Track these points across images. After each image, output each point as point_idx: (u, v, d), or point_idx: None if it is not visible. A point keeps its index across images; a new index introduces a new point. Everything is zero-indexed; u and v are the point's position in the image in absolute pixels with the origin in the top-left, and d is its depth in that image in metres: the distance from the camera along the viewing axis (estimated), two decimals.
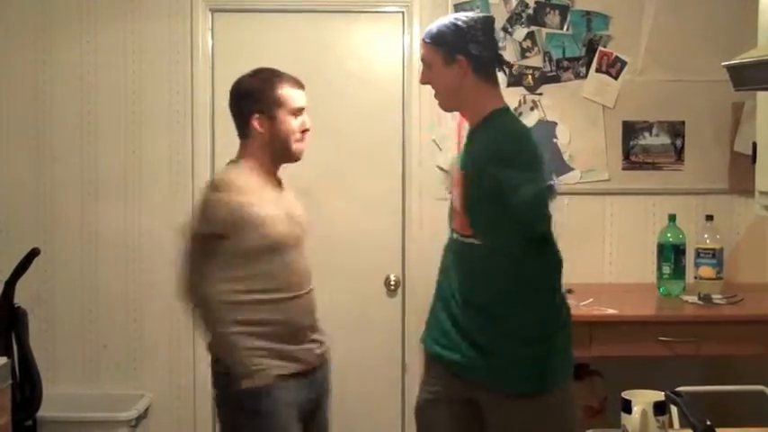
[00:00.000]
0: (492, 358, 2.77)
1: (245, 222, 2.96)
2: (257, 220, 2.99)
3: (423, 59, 2.91)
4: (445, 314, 2.95)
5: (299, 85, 3.20)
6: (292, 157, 3.20)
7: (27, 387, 3.77)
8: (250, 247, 2.99)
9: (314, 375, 3.14)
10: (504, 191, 2.66)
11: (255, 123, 3.09)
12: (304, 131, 3.18)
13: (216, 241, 2.96)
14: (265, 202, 3.07)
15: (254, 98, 3.11)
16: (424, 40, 2.90)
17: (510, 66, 3.05)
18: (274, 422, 2.97)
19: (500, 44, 2.99)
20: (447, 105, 2.94)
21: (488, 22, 2.93)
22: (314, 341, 3.17)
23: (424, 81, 2.94)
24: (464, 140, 3.03)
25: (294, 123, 3.13)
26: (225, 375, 2.96)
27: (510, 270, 2.74)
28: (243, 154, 3.16)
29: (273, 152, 3.14)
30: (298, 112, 3.15)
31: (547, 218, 2.70)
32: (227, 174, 3.13)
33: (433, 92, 2.94)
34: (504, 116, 2.88)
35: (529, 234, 2.69)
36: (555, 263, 2.78)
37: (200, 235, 2.99)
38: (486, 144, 2.79)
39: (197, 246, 3.00)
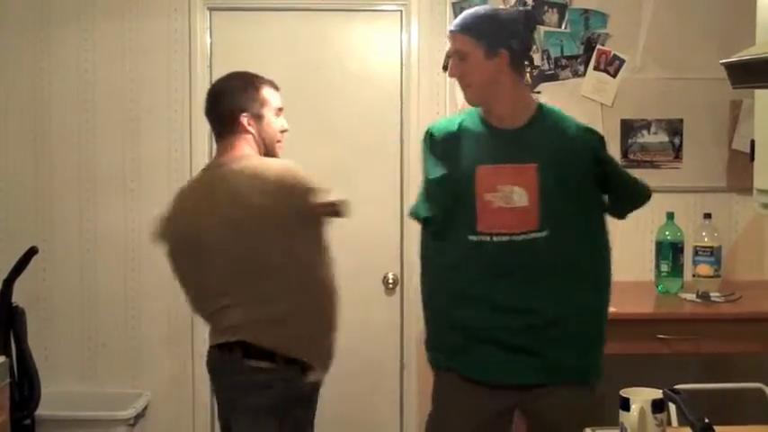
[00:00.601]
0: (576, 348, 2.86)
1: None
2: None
3: (456, 51, 2.84)
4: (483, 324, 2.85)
5: (275, 86, 3.27)
6: (274, 156, 3.26)
7: (25, 386, 3.76)
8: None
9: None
10: (615, 173, 2.90)
11: (244, 121, 3.12)
12: (283, 131, 3.27)
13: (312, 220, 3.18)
14: None
15: (240, 98, 3.15)
16: (458, 32, 2.83)
17: (535, 66, 3.03)
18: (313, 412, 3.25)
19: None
20: (478, 99, 2.87)
21: (529, 16, 2.92)
22: None
23: (455, 74, 2.87)
24: (452, 133, 2.90)
25: (277, 124, 3.22)
26: (286, 374, 3.00)
27: (569, 259, 2.81)
28: (243, 148, 3.15)
29: (260, 151, 3.19)
30: (278, 112, 3.24)
31: None
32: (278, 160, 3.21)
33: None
34: (555, 108, 2.94)
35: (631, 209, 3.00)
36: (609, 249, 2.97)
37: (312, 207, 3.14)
38: (565, 134, 2.83)
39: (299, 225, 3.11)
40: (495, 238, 2.79)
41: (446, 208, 2.86)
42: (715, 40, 4.35)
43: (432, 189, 2.90)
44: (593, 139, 2.86)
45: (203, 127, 4.43)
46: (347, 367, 4.52)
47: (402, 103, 4.50)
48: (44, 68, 4.44)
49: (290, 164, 3.14)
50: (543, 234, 2.78)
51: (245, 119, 3.12)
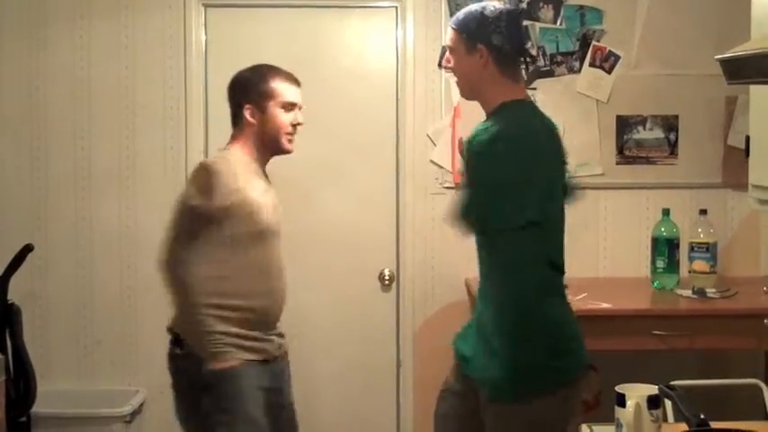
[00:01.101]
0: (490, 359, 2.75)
1: (238, 207, 3.04)
2: (251, 205, 3.07)
3: (446, 45, 2.88)
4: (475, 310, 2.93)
5: (293, 80, 3.27)
6: (282, 151, 3.28)
7: (21, 383, 3.75)
8: (239, 233, 3.06)
9: (275, 366, 3.21)
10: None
11: (247, 114, 3.17)
12: (295, 126, 3.24)
13: (203, 222, 3.01)
14: (257, 189, 3.14)
15: (245, 89, 3.21)
16: (450, 26, 2.86)
17: (534, 61, 2.97)
18: (239, 404, 3.03)
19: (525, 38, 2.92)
20: (465, 93, 2.90)
21: (514, 14, 2.87)
22: (278, 334, 3.25)
23: (446, 66, 2.90)
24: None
25: (284, 118, 3.20)
26: (195, 358, 3.02)
27: (492, 260, 2.76)
28: (235, 142, 3.22)
29: (264, 144, 3.21)
30: (289, 106, 3.21)
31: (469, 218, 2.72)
32: (222, 158, 3.18)
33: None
34: (512, 108, 2.78)
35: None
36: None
37: (195, 209, 3.03)
38: (472, 135, 2.75)
39: (187, 222, 3.05)
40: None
41: None
42: (710, 36, 4.36)
43: None
44: (473, 144, 2.71)
45: (198, 123, 4.46)
46: (343, 363, 4.55)
47: (398, 100, 4.50)
48: (39, 66, 4.43)
49: (205, 163, 3.22)
50: (479, 238, 2.80)
51: (247, 111, 3.17)
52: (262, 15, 4.52)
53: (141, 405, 4.40)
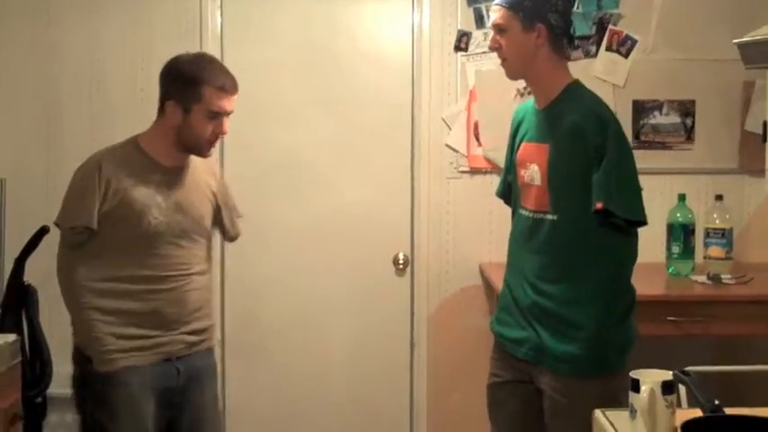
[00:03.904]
0: (552, 335, 2.81)
1: (117, 212, 2.96)
2: (131, 208, 2.97)
3: (496, 24, 2.87)
4: (512, 294, 2.96)
5: (229, 87, 3.06)
6: (198, 154, 3.14)
7: (37, 364, 3.77)
8: (121, 237, 2.99)
9: (179, 362, 3.10)
10: (606, 163, 2.71)
11: (170, 107, 3.02)
12: (217, 134, 3.07)
13: (85, 233, 2.96)
14: (143, 187, 3.02)
15: (175, 82, 3.04)
16: (498, 4, 2.86)
17: (573, 41, 3.01)
18: (123, 408, 2.99)
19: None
20: (516, 73, 2.91)
21: None
22: (188, 331, 3.12)
23: (494, 47, 2.90)
24: (522, 113, 3.03)
25: (207, 126, 3.02)
26: (81, 353, 3.03)
27: (579, 243, 2.78)
28: (146, 133, 3.13)
29: (179, 142, 3.07)
30: (215, 115, 3.02)
31: (640, 204, 2.82)
32: (101, 155, 3.06)
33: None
34: (584, 89, 2.90)
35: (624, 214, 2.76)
36: (628, 246, 2.86)
37: (70, 228, 2.99)
38: (579, 114, 2.77)
39: (67, 236, 3.01)
40: (524, 212, 2.92)
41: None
42: (728, 21, 4.32)
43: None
44: (596, 124, 2.76)
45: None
46: (357, 347, 4.56)
47: (413, 84, 4.49)
48: (52, 49, 4.43)
49: (78, 170, 3.06)
50: (552, 217, 2.81)
51: (170, 106, 3.02)
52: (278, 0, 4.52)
53: None
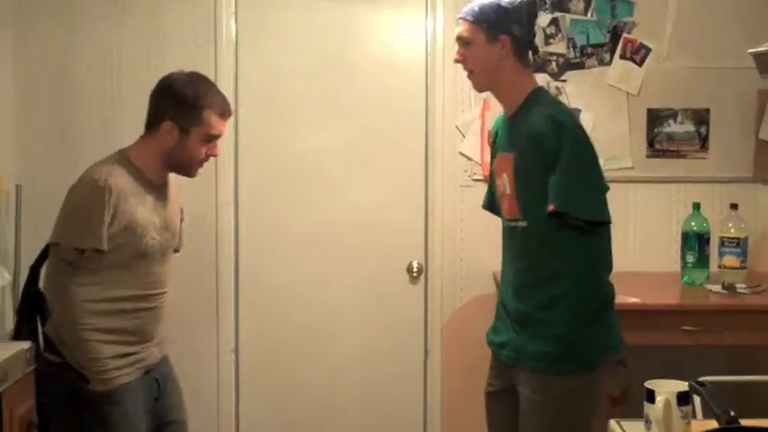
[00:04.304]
0: (528, 337, 2.85)
1: (123, 234, 2.96)
2: (134, 229, 2.98)
3: (461, 37, 2.92)
4: (501, 301, 3.02)
5: (226, 112, 3.13)
6: (186, 175, 3.17)
7: None
8: (121, 257, 2.99)
9: (156, 372, 3.17)
10: (561, 166, 2.73)
11: (166, 127, 3.04)
12: (209, 156, 3.13)
13: (93, 255, 2.95)
14: (142, 207, 3.03)
15: (175, 104, 3.05)
16: (463, 18, 2.91)
17: (537, 51, 3.10)
18: (123, 426, 3.01)
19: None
20: (483, 85, 2.96)
21: (532, 4, 2.95)
22: (155, 343, 3.19)
23: (459, 59, 2.95)
24: (497, 124, 3.09)
25: (201, 148, 3.08)
26: (73, 372, 2.98)
27: (548, 248, 2.81)
28: (136, 149, 3.11)
29: (169, 162, 3.09)
30: (211, 138, 3.09)
31: (599, 203, 2.81)
32: (108, 174, 3.00)
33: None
34: (546, 95, 2.96)
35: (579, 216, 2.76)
36: (595, 246, 2.85)
37: (75, 249, 2.96)
38: (536, 120, 2.80)
39: (66, 256, 2.98)
40: (503, 222, 3.00)
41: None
42: (742, 29, 4.32)
43: None
44: (552, 128, 2.77)
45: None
46: (371, 355, 4.56)
47: (427, 91, 4.49)
48: (70, 54, 4.44)
49: (82, 187, 3.01)
50: (523, 224, 2.87)
51: (166, 126, 3.04)
52: (292, 5, 4.52)
53: None
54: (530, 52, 2.95)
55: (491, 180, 3.14)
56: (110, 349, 3.00)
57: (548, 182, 2.75)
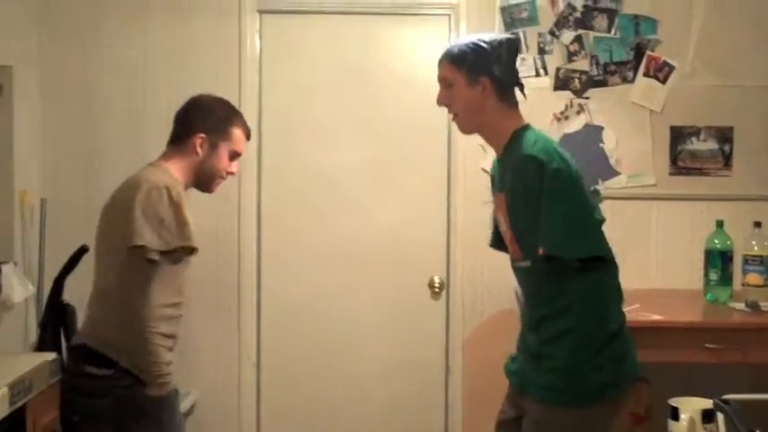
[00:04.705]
0: (535, 368, 2.83)
1: (191, 236, 3.07)
2: (193, 233, 3.09)
3: (442, 79, 2.90)
4: (521, 334, 3.00)
5: (248, 133, 3.34)
6: (206, 190, 3.30)
7: None
8: (178, 263, 3.10)
9: None
10: (544, 206, 2.70)
11: (197, 141, 3.18)
12: (229, 173, 3.29)
13: (160, 258, 3.01)
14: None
15: (207, 118, 3.22)
16: (442, 59, 2.90)
17: (522, 88, 2.98)
18: (175, 429, 3.16)
19: (518, 66, 2.95)
20: (467, 127, 2.93)
21: (513, 43, 2.92)
22: None
23: (442, 102, 2.92)
24: (494, 166, 3.05)
25: (226, 163, 3.25)
26: (129, 379, 3.02)
27: (552, 285, 2.78)
28: (170, 162, 3.20)
29: (196, 176, 3.22)
30: (235, 155, 3.27)
31: (587, 239, 2.75)
32: (171, 181, 3.10)
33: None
34: (526, 132, 2.84)
35: (567, 255, 2.72)
36: (599, 280, 2.79)
37: (157, 251, 2.99)
38: (517, 161, 2.77)
39: (148, 259, 2.99)
40: (512, 263, 2.96)
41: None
42: (767, 47, 4.31)
43: None
44: (532, 168, 2.73)
45: (252, 130, 4.47)
46: (392, 370, 4.56)
47: None
48: (95, 69, 4.48)
49: (151, 193, 3.02)
50: (525, 264, 2.84)
51: (198, 139, 3.18)
52: (316, 22, 4.55)
53: (193, 406, 4.43)
54: (515, 90, 2.88)
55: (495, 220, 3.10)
56: (167, 355, 3.08)
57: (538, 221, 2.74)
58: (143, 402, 3.03)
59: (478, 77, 2.80)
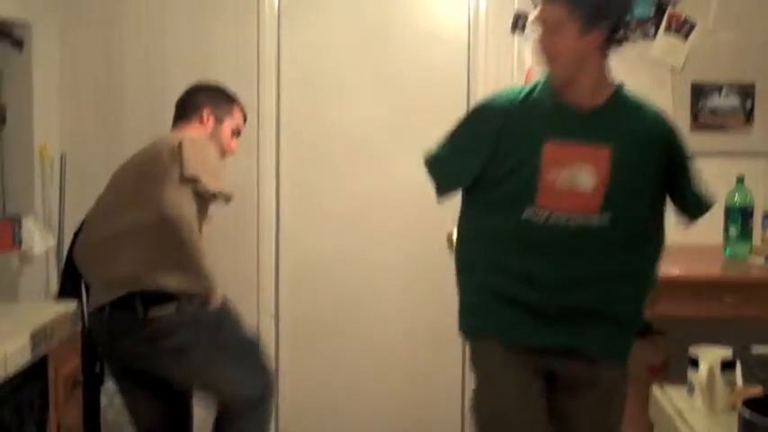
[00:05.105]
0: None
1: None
2: None
3: (549, 23, 2.65)
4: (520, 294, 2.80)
5: (245, 115, 3.70)
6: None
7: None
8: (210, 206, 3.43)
9: None
10: (686, 169, 2.82)
11: (205, 114, 3.52)
12: (228, 151, 3.60)
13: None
14: None
15: (214, 96, 3.58)
16: (559, 2, 2.62)
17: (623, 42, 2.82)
18: (242, 325, 3.53)
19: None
20: (562, 74, 2.68)
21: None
22: None
23: (543, 45, 2.68)
24: (543, 107, 2.76)
25: (229, 139, 3.59)
26: (194, 302, 3.24)
27: (633, 244, 2.79)
28: (190, 127, 3.53)
29: None
30: (236, 133, 3.63)
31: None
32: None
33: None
34: (632, 92, 2.84)
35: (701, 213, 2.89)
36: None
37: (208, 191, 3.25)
38: (651, 119, 2.78)
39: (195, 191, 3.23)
40: (552, 218, 2.70)
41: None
42: None
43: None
44: (668, 129, 2.80)
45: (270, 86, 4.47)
46: (410, 323, 4.57)
47: (469, 64, 4.49)
48: (118, 30, 4.48)
49: (196, 139, 3.36)
50: (601, 220, 2.70)
51: (206, 113, 3.52)
52: None
53: None
54: (618, 45, 2.73)
55: (488, 158, 2.79)
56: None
57: (652, 181, 2.76)
58: (213, 318, 3.29)
59: (593, 27, 2.60)
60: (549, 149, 2.68)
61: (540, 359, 2.80)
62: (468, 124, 2.92)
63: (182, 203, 3.16)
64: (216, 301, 3.29)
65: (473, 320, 2.93)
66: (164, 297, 3.19)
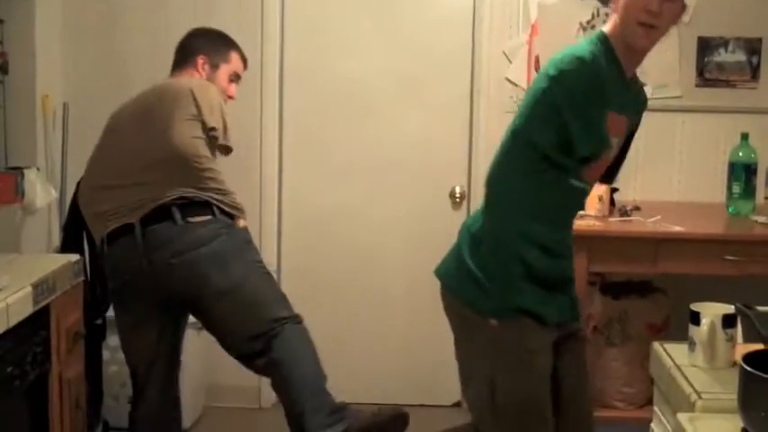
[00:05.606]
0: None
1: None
2: None
3: None
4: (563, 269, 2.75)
5: (246, 60, 3.62)
6: None
7: (97, 286, 3.82)
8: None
9: None
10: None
11: (200, 62, 3.48)
12: (229, 97, 3.55)
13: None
14: None
15: (208, 42, 3.53)
16: None
17: None
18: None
19: None
20: (652, 45, 2.56)
21: None
22: None
23: (659, 12, 2.49)
24: (605, 76, 2.55)
25: (226, 84, 3.53)
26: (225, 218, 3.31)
27: None
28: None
29: None
30: (235, 77, 3.57)
31: None
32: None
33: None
34: None
35: None
36: None
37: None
38: (644, 95, 2.78)
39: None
40: (589, 185, 2.68)
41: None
42: None
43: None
44: (644, 106, 2.79)
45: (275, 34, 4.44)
46: (412, 280, 4.58)
47: (474, 16, 4.46)
48: (117, 52, 4.49)
49: (203, 84, 3.39)
50: (589, 187, 2.71)
51: (201, 60, 3.48)
52: None
53: None
54: None
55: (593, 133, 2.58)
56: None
57: None
58: (243, 235, 3.36)
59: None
60: (611, 120, 2.58)
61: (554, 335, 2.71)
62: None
63: (197, 143, 3.24)
64: (243, 221, 3.37)
65: (519, 298, 2.63)
66: (198, 206, 3.23)
